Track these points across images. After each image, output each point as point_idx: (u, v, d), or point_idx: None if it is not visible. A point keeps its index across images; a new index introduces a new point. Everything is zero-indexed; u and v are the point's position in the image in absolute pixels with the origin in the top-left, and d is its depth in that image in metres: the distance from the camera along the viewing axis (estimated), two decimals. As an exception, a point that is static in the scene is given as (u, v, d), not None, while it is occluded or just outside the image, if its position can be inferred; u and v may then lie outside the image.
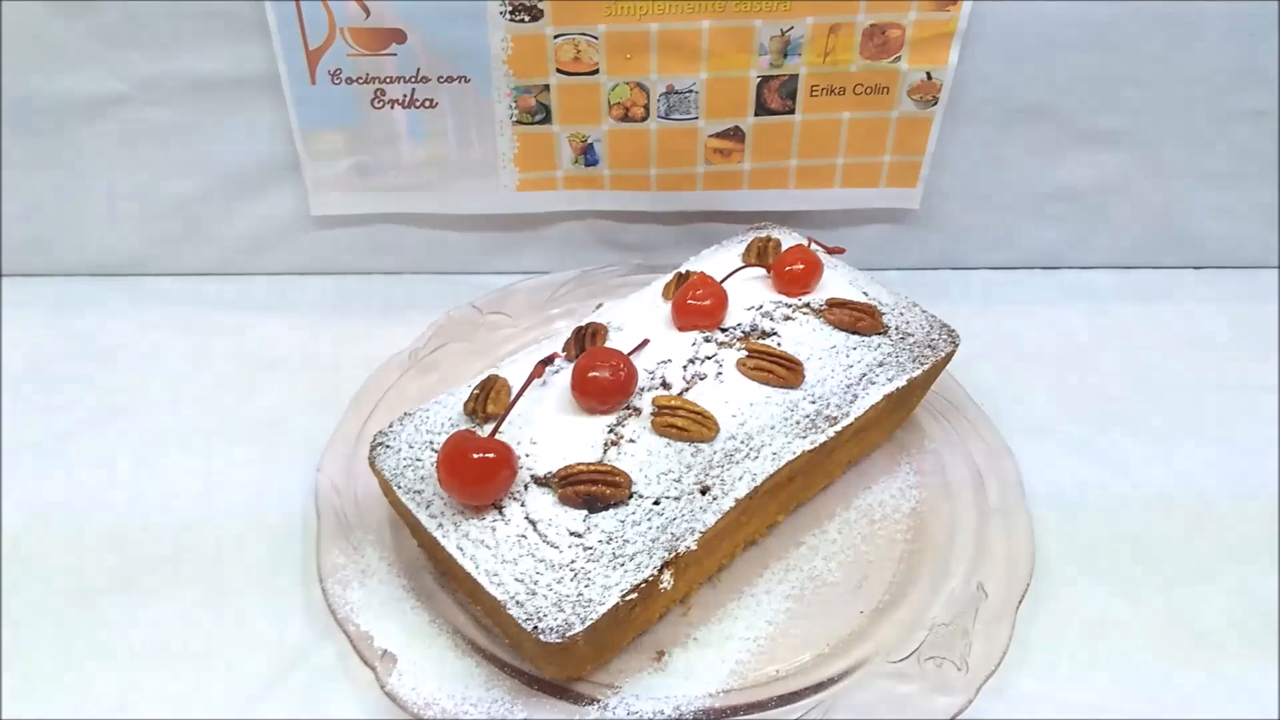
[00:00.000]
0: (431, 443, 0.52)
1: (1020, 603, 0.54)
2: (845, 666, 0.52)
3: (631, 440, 0.50)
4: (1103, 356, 0.74)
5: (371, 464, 0.53)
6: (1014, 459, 0.63)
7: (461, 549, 0.47)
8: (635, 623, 0.51)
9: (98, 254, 0.76)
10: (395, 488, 0.51)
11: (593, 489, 0.48)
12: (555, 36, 0.66)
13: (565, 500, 0.48)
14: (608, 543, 0.47)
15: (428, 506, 0.49)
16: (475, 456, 0.47)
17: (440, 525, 0.48)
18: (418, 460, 0.51)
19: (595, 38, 0.66)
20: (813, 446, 0.53)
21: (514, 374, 0.55)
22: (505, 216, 0.76)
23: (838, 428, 0.54)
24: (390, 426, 0.54)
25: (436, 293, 0.76)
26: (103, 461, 0.63)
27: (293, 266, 0.78)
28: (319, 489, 0.59)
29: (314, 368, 0.71)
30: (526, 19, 0.65)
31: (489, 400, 0.52)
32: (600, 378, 0.50)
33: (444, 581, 0.55)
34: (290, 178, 0.73)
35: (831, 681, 0.51)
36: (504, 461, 0.47)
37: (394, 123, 0.70)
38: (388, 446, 0.53)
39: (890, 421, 0.63)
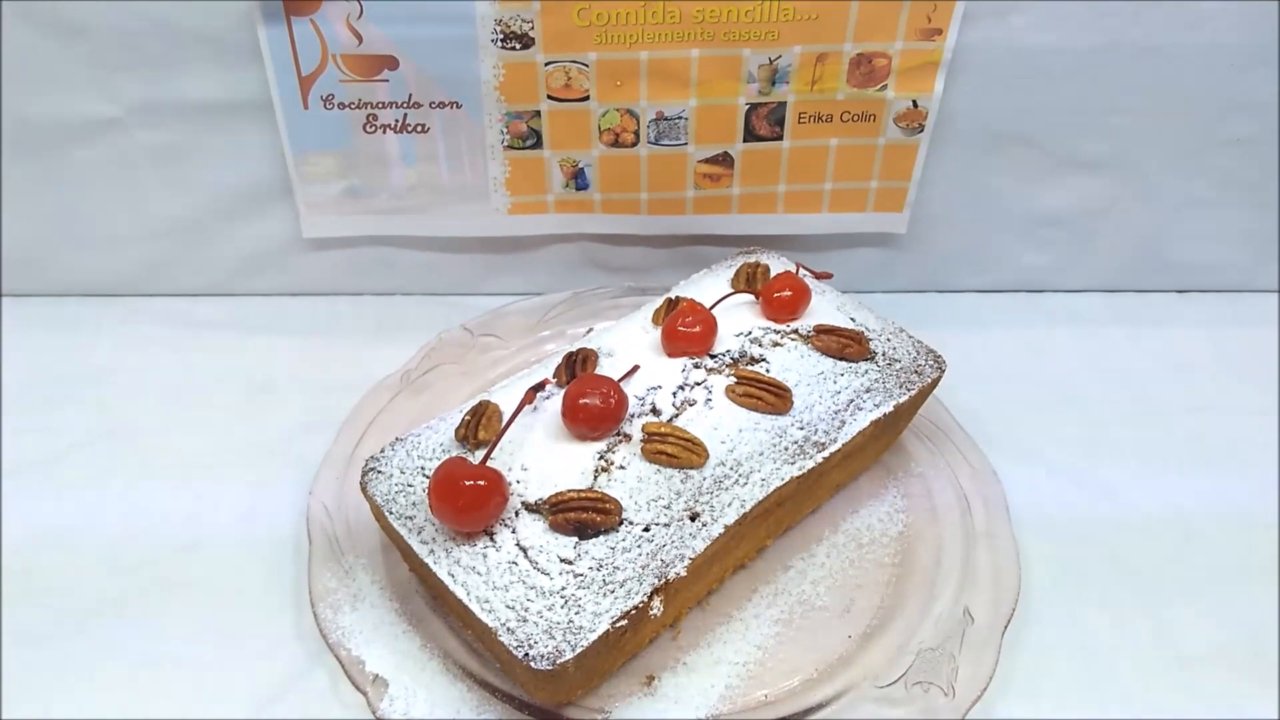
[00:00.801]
0: (423, 469, 0.52)
1: (1006, 628, 0.55)
2: (833, 692, 0.52)
3: (622, 467, 0.51)
4: (1088, 380, 0.75)
5: (363, 489, 0.53)
6: (1000, 483, 0.63)
7: (453, 575, 0.48)
8: (625, 648, 0.51)
9: (91, 275, 0.76)
10: (387, 513, 0.51)
11: (583, 516, 0.48)
12: (546, 64, 0.67)
13: (556, 527, 0.48)
14: (598, 570, 0.47)
15: (419, 532, 0.50)
16: (467, 484, 0.47)
17: (432, 551, 0.49)
18: (409, 486, 0.52)
19: (586, 65, 0.67)
20: (801, 473, 0.54)
21: (505, 399, 0.55)
22: (496, 239, 0.76)
23: (825, 454, 0.55)
24: (382, 452, 0.54)
25: (428, 314, 0.76)
26: (96, 483, 0.63)
27: (285, 288, 0.78)
28: (310, 512, 0.59)
29: (306, 389, 0.71)
30: (518, 47, 0.66)
31: (480, 427, 0.53)
32: (591, 405, 0.51)
33: (435, 606, 0.55)
34: (282, 200, 0.73)
35: (820, 706, 0.51)
36: (495, 489, 0.48)
37: (386, 147, 0.70)
38: (380, 472, 0.53)
39: (877, 446, 0.63)
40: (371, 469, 0.53)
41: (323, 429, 0.65)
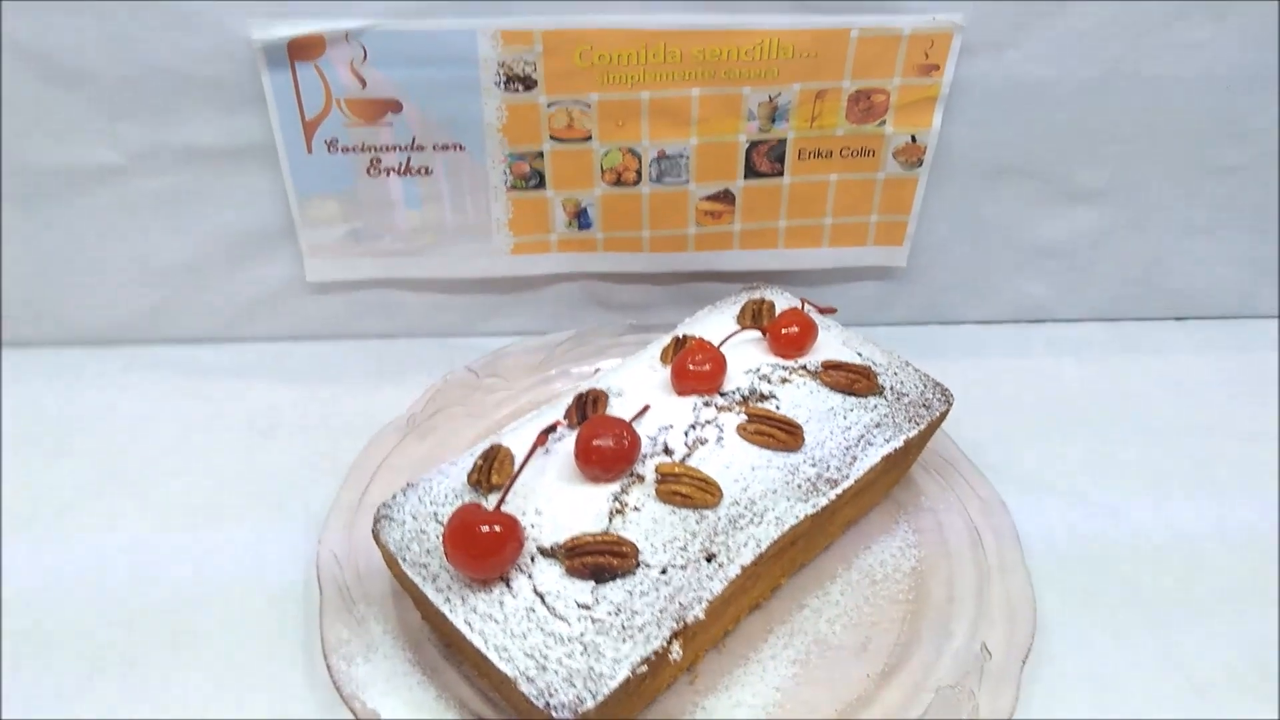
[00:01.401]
0: (436, 514, 0.52)
1: (1024, 662, 0.54)
2: (854, 732, 0.52)
3: (636, 509, 0.51)
4: (1090, 407, 0.76)
5: (375, 537, 0.52)
6: (1009, 514, 0.63)
7: (469, 623, 0.47)
8: (645, 693, 0.51)
9: (91, 323, 0.76)
10: (400, 561, 0.50)
11: (600, 560, 0.48)
12: (549, 105, 0.67)
13: (573, 572, 0.48)
14: (616, 614, 0.47)
15: (434, 580, 0.49)
16: (482, 530, 0.47)
17: (447, 600, 0.48)
18: (422, 533, 0.51)
19: (588, 106, 0.67)
20: (815, 510, 0.54)
21: (515, 442, 0.55)
22: (500, 280, 0.77)
23: (838, 490, 0.55)
24: (393, 498, 0.54)
25: (432, 356, 0.76)
26: (99, 533, 0.62)
27: (287, 332, 0.78)
28: (320, 561, 0.58)
29: (310, 434, 0.71)
30: (520, 88, 0.66)
31: (493, 471, 0.52)
32: (605, 446, 0.51)
33: (449, 654, 0.54)
34: (285, 245, 0.73)
35: (840, 748, 0.51)
36: (511, 535, 0.47)
37: (389, 190, 0.70)
38: (391, 519, 0.53)
39: (888, 480, 0.63)
40: (383, 516, 0.53)
41: (329, 474, 0.65)
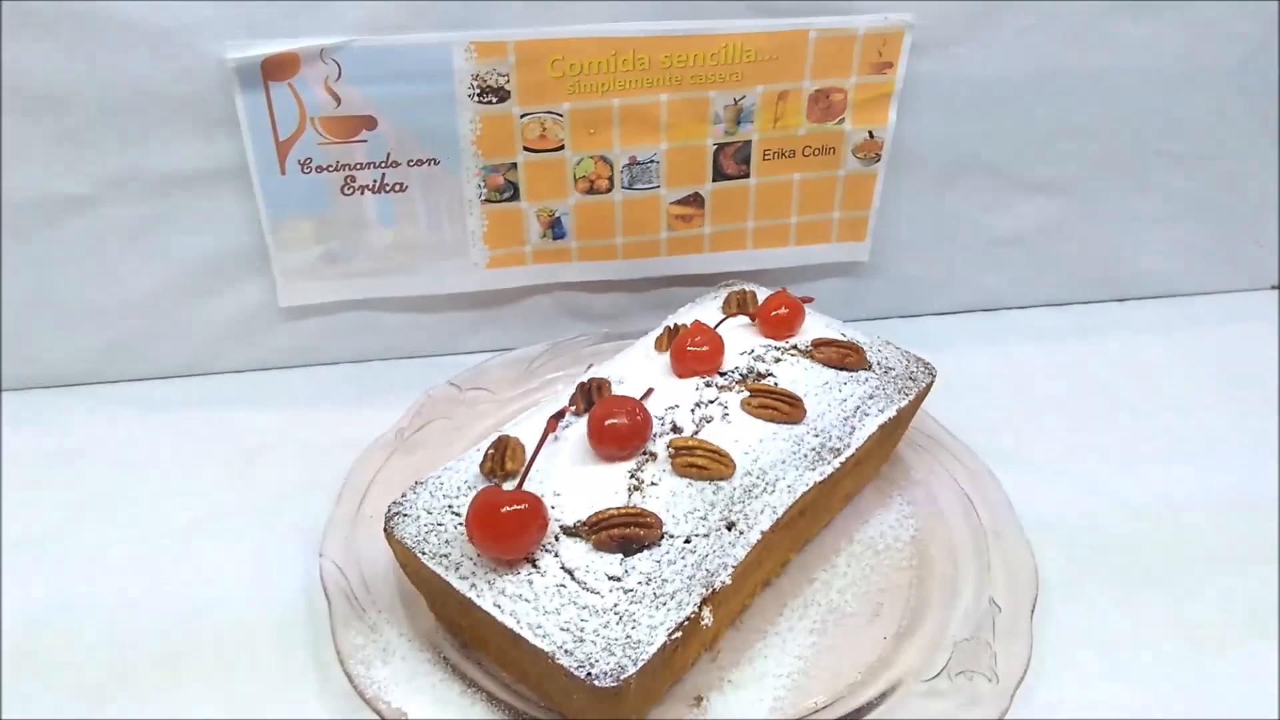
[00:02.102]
0: (450, 506, 0.52)
1: (1033, 611, 0.56)
2: (880, 690, 0.52)
3: (653, 484, 0.51)
4: (1056, 388, 0.79)
5: (389, 534, 0.52)
6: (998, 482, 0.65)
7: (499, 605, 0.47)
8: (675, 667, 0.51)
9: (52, 364, 0.74)
10: (419, 554, 0.50)
11: (626, 531, 0.48)
12: (522, 116, 0.68)
13: (600, 545, 0.48)
14: (647, 584, 0.47)
15: (457, 568, 0.49)
16: (507, 509, 0.47)
17: (474, 585, 0.48)
18: (439, 525, 0.51)
19: (560, 115, 0.69)
20: (822, 478, 0.55)
21: (521, 434, 0.55)
22: (475, 295, 0.77)
23: (842, 458, 0.56)
24: (404, 496, 0.53)
25: (410, 377, 0.75)
26: (90, 564, 0.60)
27: (259, 362, 0.77)
28: (324, 571, 0.57)
29: (295, 457, 0.69)
30: (494, 100, 0.67)
31: (506, 458, 0.52)
32: (619, 424, 0.51)
33: (466, 653, 0.53)
34: (257, 271, 0.72)
35: (871, 705, 0.51)
36: (536, 511, 0.47)
37: (364, 208, 0.70)
38: (405, 515, 0.52)
39: (880, 453, 0.65)
40: (396, 513, 0.52)
41: (317, 494, 0.63)
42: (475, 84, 0.66)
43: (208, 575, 0.60)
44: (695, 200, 0.75)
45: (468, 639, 0.53)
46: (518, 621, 0.46)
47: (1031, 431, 0.74)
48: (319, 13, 0.62)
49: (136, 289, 0.71)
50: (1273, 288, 0.90)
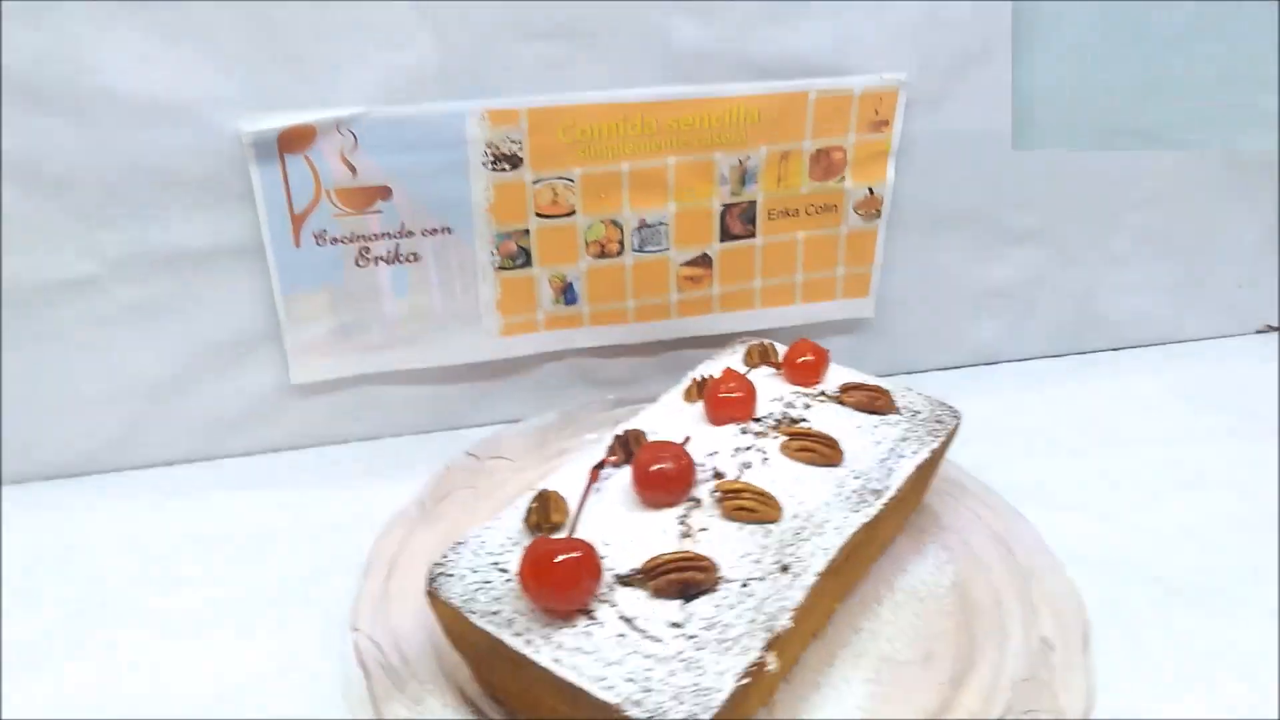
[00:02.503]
0: (496, 563, 0.50)
1: (1086, 646, 0.55)
2: (947, 734, 0.51)
3: (703, 529, 0.50)
4: (1056, 433, 0.80)
5: (433, 596, 0.50)
6: (1029, 522, 0.65)
7: (559, 660, 0.45)
8: (741, 716, 0.49)
9: (50, 455, 0.71)
10: (468, 614, 0.48)
11: (685, 575, 0.47)
12: (534, 182, 0.69)
13: (659, 591, 0.47)
14: (710, 629, 0.46)
15: (510, 625, 0.47)
16: (563, 558, 0.45)
17: (529, 641, 0.46)
18: (487, 583, 0.49)
19: (571, 180, 0.70)
20: (868, 519, 0.54)
21: (558, 487, 0.54)
22: (487, 365, 0.76)
23: (884, 500, 0.56)
24: (445, 557, 0.51)
25: (424, 452, 0.74)
26: (106, 661, 0.57)
27: (267, 444, 0.75)
28: (359, 647, 0.54)
29: (312, 538, 0.66)
30: (507, 168, 0.68)
31: (550, 510, 0.51)
32: (666, 469, 0.51)
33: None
34: (267, 349, 0.71)
35: (938, 751, 0.50)
36: (591, 559, 0.46)
37: (378, 279, 0.70)
38: (449, 575, 0.50)
39: (914, 499, 0.65)
40: (440, 574, 0.50)
41: (340, 573, 0.61)
42: (489, 151, 0.67)
43: (229, 667, 0.56)
44: (704, 261, 0.76)
45: (517, 707, 0.51)
46: (580, 675, 0.44)
47: (1048, 473, 0.74)
48: (332, 82, 0.63)
49: (142, 373, 0.70)
50: (1259, 331, 0.93)
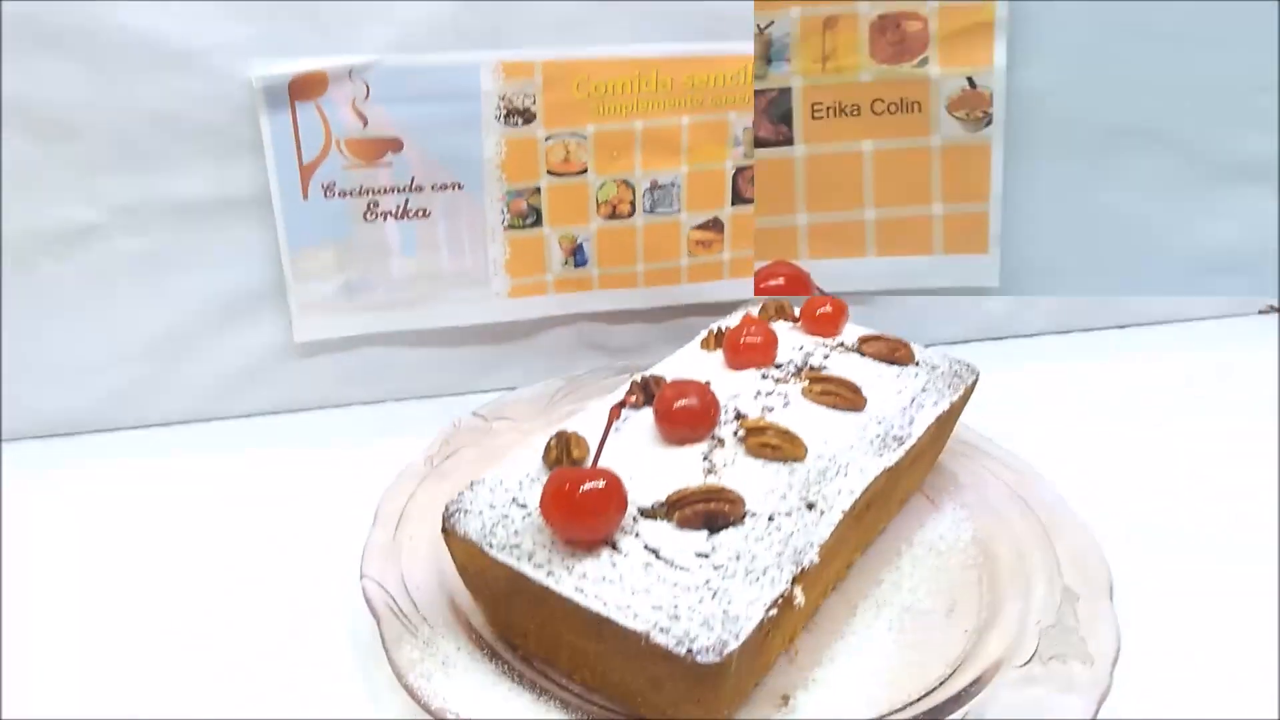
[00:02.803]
0: (515, 499, 0.49)
1: (1110, 595, 0.54)
2: (975, 678, 0.49)
3: (727, 465, 0.49)
4: (1068, 407, 0.79)
5: (449, 533, 0.48)
6: (1046, 479, 0.64)
7: (581, 590, 0.44)
8: (760, 663, 0.48)
9: (49, 412, 0.69)
10: (486, 549, 0.47)
11: (710, 507, 0.46)
12: (546, 139, 0.68)
13: (684, 522, 0.45)
14: (737, 559, 0.45)
15: (530, 558, 0.45)
16: (588, 486, 0.44)
17: (550, 573, 0.45)
18: (506, 517, 0.48)
19: (584, 137, 0.69)
20: (891, 465, 0.53)
21: (578, 429, 0.53)
22: (495, 327, 0.75)
23: (906, 446, 0.55)
24: (461, 495, 0.50)
25: (429, 416, 0.73)
26: (107, 618, 0.55)
27: (271, 405, 0.73)
28: (368, 593, 0.53)
29: (317, 496, 0.65)
30: (520, 122, 0.67)
31: (571, 447, 0.50)
32: (690, 405, 0.50)
33: (530, 663, 0.50)
34: (271, 306, 0.70)
35: (968, 694, 0.48)
36: (616, 487, 0.45)
37: (386, 236, 0.69)
38: (466, 511, 0.49)
39: (932, 453, 0.64)
40: (456, 510, 0.49)
41: (346, 528, 0.59)
42: (502, 105, 0.66)
43: (231, 623, 0.55)
44: (715, 225, 0.75)
45: (533, 648, 0.50)
46: (605, 604, 0.43)
47: (1065, 437, 0.73)
48: (346, 32, 0.62)
49: (144, 327, 0.68)
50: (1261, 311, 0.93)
